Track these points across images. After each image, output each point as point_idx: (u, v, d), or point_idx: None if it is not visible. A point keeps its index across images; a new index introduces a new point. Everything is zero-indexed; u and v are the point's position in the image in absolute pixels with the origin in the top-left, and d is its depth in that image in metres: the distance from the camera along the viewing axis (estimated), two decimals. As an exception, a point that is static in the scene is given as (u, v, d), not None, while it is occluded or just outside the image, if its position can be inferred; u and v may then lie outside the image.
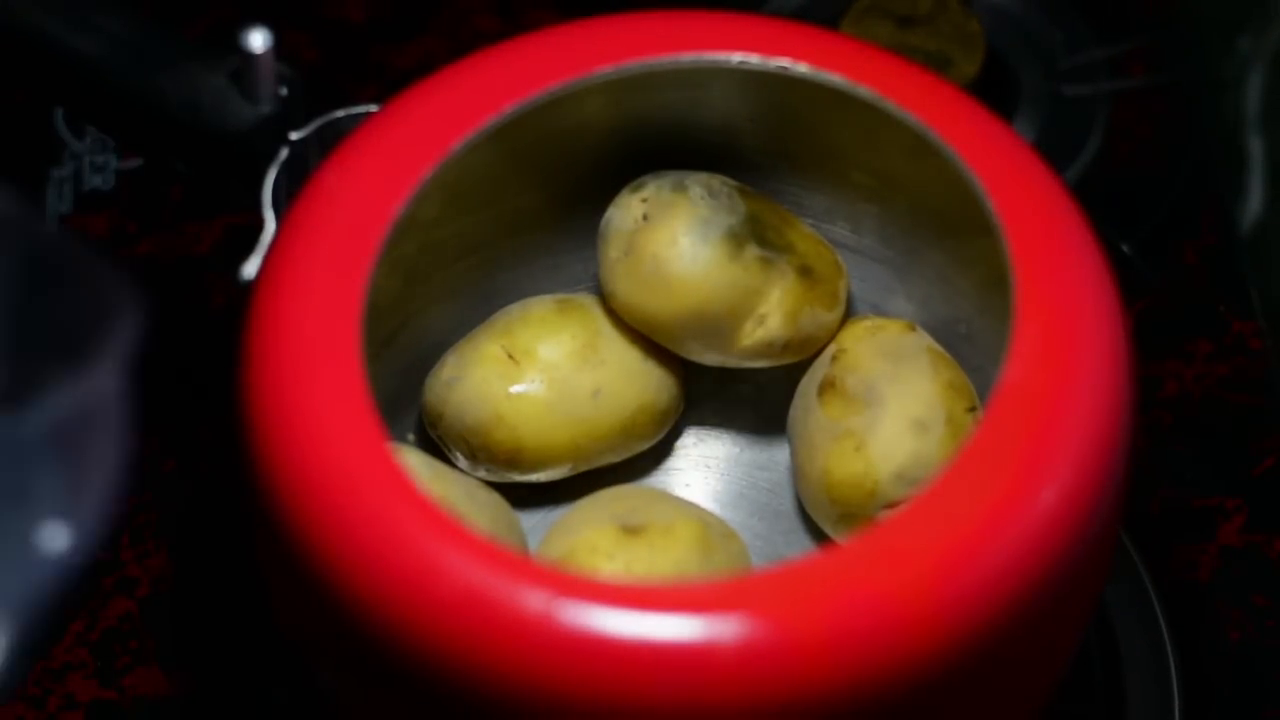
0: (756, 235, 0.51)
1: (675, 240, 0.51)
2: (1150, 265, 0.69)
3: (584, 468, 0.54)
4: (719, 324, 0.52)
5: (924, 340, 0.52)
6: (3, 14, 0.53)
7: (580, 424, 0.52)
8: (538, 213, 0.55)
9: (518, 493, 0.54)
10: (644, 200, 0.51)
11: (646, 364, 0.53)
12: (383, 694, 0.43)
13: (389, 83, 0.73)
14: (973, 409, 0.51)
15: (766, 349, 0.52)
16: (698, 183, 0.52)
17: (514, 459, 0.52)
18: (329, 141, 0.50)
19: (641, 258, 0.51)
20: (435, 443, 0.54)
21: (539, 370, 0.52)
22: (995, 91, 0.72)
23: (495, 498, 0.51)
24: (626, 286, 0.52)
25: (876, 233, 0.55)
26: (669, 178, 0.52)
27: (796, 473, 0.53)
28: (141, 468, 0.66)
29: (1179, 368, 0.67)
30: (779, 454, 0.56)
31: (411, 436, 0.55)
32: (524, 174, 0.53)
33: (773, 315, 0.52)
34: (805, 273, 0.52)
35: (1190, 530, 0.63)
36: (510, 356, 0.52)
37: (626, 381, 0.53)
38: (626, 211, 0.52)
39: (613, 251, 0.52)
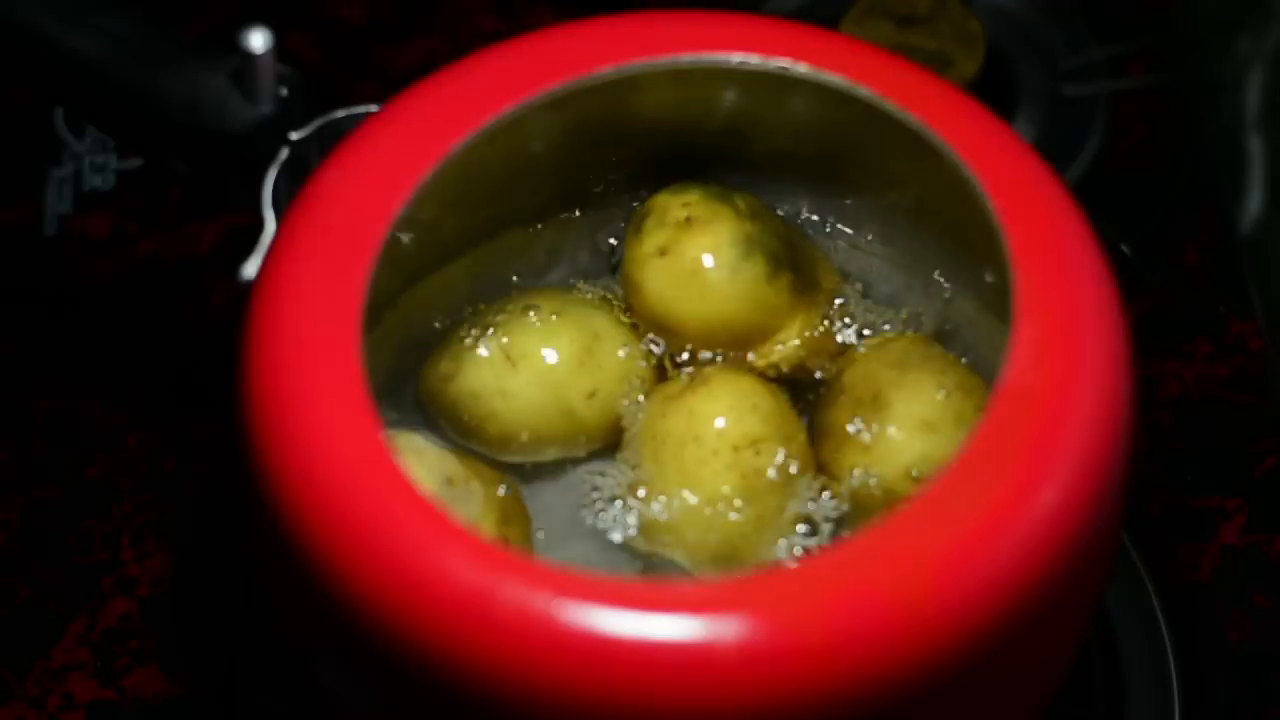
0: (793, 263, 0.51)
1: (721, 249, 0.50)
2: (1150, 265, 0.69)
3: (578, 454, 0.53)
4: (741, 339, 0.52)
5: (933, 349, 0.52)
6: (3, 13, 0.53)
7: (575, 422, 0.52)
8: (538, 213, 0.55)
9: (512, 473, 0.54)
10: (686, 205, 0.51)
11: (644, 366, 0.53)
12: (383, 694, 0.43)
13: (389, 83, 0.73)
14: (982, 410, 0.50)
15: (773, 370, 0.52)
16: (742, 199, 0.52)
17: (505, 447, 0.52)
18: (329, 141, 0.50)
19: (683, 258, 0.51)
20: (429, 421, 0.53)
21: (535, 372, 0.52)
22: (995, 91, 0.72)
23: (497, 497, 0.51)
24: (660, 283, 0.51)
25: (876, 233, 0.55)
26: (713, 188, 0.52)
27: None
28: (141, 468, 0.67)
29: (1179, 368, 0.67)
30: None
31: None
32: (524, 174, 0.53)
33: (790, 342, 0.52)
34: (827, 315, 0.52)
35: (1190, 530, 0.63)
36: (507, 357, 0.52)
37: (623, 383, 0.53)
38: (666, 211, 0.51)
39: (647, 246, 0.51)
